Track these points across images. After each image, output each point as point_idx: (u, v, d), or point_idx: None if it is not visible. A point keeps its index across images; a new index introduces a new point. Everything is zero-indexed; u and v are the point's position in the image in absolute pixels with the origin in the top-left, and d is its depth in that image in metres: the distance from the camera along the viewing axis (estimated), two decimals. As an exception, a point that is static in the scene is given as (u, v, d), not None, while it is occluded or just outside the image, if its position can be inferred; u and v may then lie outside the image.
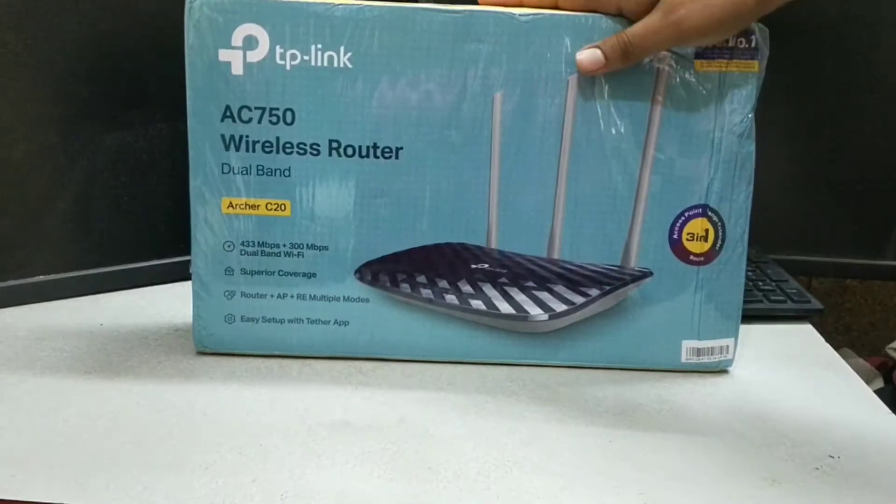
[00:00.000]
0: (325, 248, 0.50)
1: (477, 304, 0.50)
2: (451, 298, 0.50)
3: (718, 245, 0.50)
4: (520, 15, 0.47)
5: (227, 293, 0.51)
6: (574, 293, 0.50)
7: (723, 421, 0.46)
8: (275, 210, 0.49)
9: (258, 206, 0.49)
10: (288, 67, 0.48)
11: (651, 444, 0.43)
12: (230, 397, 0.47)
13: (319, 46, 0.47)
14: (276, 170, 0.49)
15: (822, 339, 0.59)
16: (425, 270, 0.50)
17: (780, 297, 0.63)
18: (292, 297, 0.51)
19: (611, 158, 0.49)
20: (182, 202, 0.50)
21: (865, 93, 0.70)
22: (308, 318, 0.51)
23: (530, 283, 0.50)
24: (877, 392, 0.53)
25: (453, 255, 0.50)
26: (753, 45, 0.48)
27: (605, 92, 0.48)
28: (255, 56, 0.47)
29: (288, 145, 0.49)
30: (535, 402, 0.47)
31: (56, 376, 0.49)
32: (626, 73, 0.48)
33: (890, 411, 0.48)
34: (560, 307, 0.49)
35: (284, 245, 0.50)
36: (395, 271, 0.50)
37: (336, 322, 0.51)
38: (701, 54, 0.48)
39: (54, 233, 0.61)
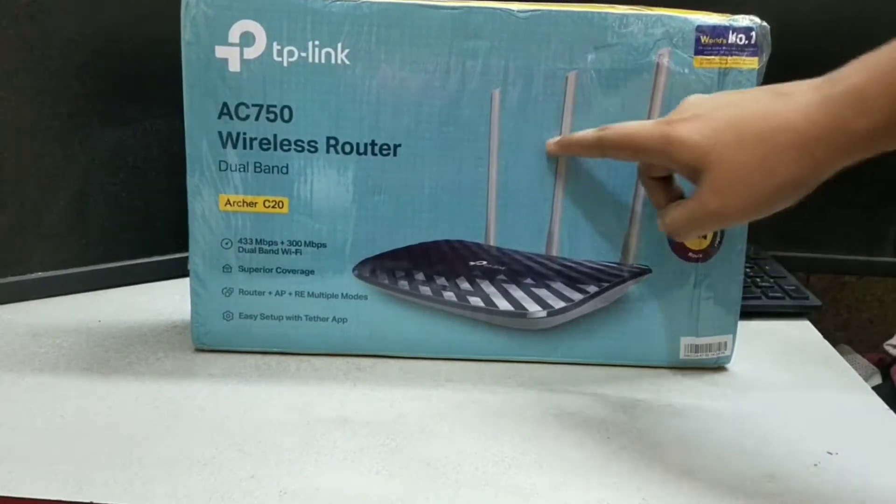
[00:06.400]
0: (323, 245, 0.50)
1: (475, 300, 0.50)
2: (449, 295, 0.50)
3: (717, 242, 0.50)
4: (518, 11, 0.47)
5: (224, 290, 0.51)
6: (572, 290, 0.50)
7: (721, 417, 0.46)
8: (272, 207, 0.49)
9: (256, 203, 0.49)
10: (285, 64, 0.47)
11: (649, 440, 0.43)
12: (228, 394, 0.47)
13: (317, 43, 0.47)
14: (273, 167, 0.49)
15: (820, 336, 0.59)
16: (423, 267, 0.50)
17: (779, 294, 0.63)
18: (290, 294, 0.51)
19: (609, 155, 0.49)
20: (180, 199, 0.50)
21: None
22: (306, 315, 0.51)
23: (529, 280, 0.50)
24: (875, 388, 0.53)
25: (452, 252, 0.50)
26: (753, 41, 0.48)
27: (604, 88, 0.48)
28: (252, 53, 0.47)
29: (285, 142, 0.48)
30: (534, 398, 0.47)
31: (54, 373, 0.49)
32: (625, 69, 0.48)
33: (888, 408, 0.48)
34: (558, 304, 0.49)
35: (282, 242, 0.50)
36: (393, 268, 0.50)
37: (334, 319, 0.51)
38: (700, 50, 0.48)
39: (52, 229, 0.61)
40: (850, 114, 0.34)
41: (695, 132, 0.39)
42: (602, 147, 0.44)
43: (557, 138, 0.48)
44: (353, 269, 0.50)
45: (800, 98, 0.36)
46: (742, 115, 0.38)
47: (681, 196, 0.45)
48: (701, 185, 0.39)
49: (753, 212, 0.38)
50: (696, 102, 0.41)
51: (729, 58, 0.48)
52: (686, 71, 0.48)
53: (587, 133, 0.45)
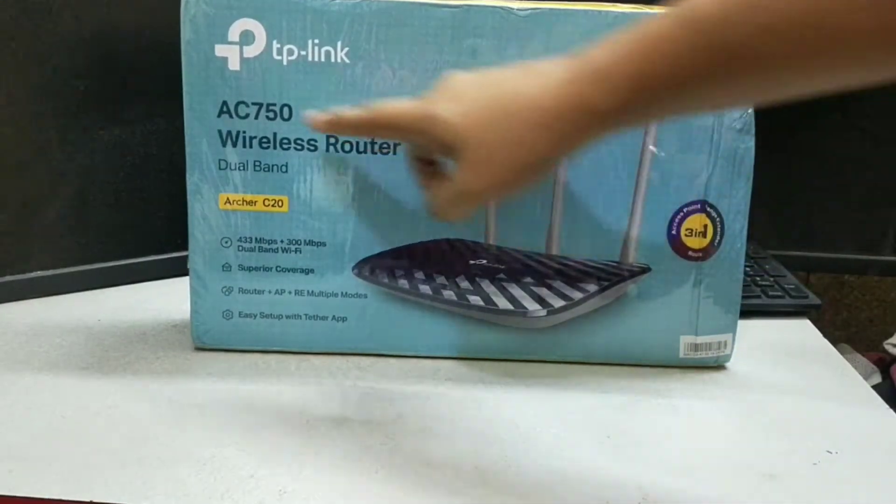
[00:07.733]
0: (323, 243, 0.50)
1: (475, 299, 0.50)
2: (449, 294, 0.50)
3: (717, 240, 0.50)
4: (518, 9, 0.47)
5: (224, 289, 0.51)
6: (572, 289, 0.50)
7: (721, 416, 0.46)
8: (272, 206, 0.49)
9: (255, 201, 0.49)
10: (285, 62, 0.47)
11: (649, 439, 0.43)
12: (228, 393, 0.47)
13: (316, 41, 0.47)
14: (272, 165, 0.49)
15: (820, 335, 0.59)
16: (423, 266, 0.50)
17: (779, 293, 0.63)
18: (290, 292, 0.51)
19: (609, 154, 0.49)
20: (179, 198, 0.50)
21: (864, 88, 0.70)
22: (306, 314, 0.51)
23: (528, 279, 0.50)
24: (874, 387, 0.53)
25: (451, 251, 0.50)
26: (752, 40, 0.48)
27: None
28: (251, 51, 0.47)
29: (285, 141, 0.48)
30: (534, 397, 0.47)
31: (54, 372, 0.49)
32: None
33: (888, 406, 0.48)
34: (558, 303, 0.49)
35: (282, 241, 0.50)
36: (392, 267, 0.50)
37: (334, 318, 0.51)
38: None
39: (52, 228, 0.61)
40: (594, 93, 0.34)
41: (451, 111, 0.39)
42: (368, 127, 0.44)
43: (325, 116, 0.45)
44: (353, 268, 0.50)
45: (550, 76, 0.36)
46: (496, 93, 0.38)
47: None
48: (458, 164, 0.39)
49: (505, 188, 0.39)
50: (458, 80, 0.41)
51: (729, 56, 0.48)
52: (686, 70, 0.48)
53: (353, 112, 0.44)
